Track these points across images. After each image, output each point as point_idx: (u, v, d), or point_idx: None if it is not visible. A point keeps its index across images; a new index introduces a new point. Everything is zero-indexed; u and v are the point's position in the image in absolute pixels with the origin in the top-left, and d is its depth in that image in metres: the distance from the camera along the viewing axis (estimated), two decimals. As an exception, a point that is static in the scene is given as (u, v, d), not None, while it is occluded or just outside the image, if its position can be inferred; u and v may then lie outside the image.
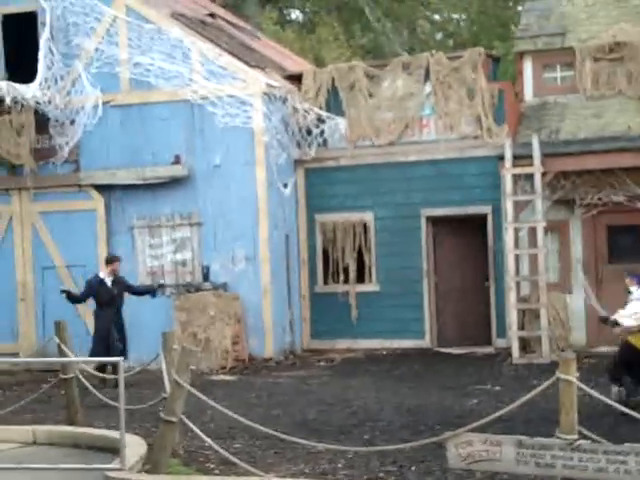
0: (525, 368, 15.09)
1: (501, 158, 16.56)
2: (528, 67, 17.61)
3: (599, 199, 16.54)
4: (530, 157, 16.23)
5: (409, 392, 13.10)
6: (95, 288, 14.95)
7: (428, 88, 17.59)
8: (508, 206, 16.44)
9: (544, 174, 16.29)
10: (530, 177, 16.37)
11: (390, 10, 30.15)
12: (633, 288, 11.86)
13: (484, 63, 17.44)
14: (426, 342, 17.62)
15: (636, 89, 16.72)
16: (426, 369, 15.46)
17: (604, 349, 16.12)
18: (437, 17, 31.58)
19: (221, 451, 8.36)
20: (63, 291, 15.18)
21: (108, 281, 14.97)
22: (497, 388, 13.30)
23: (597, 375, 13.60)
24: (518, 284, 16.53)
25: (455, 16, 31.47)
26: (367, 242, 18.03)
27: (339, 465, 8.87)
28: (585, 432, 7.57)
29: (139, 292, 15.63)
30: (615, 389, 11.85)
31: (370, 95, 17.94)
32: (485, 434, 7.74)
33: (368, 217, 18.01)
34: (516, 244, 16.57)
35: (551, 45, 17.49)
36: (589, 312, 16.66)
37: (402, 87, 17.74)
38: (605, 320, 12.13)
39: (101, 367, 14.03)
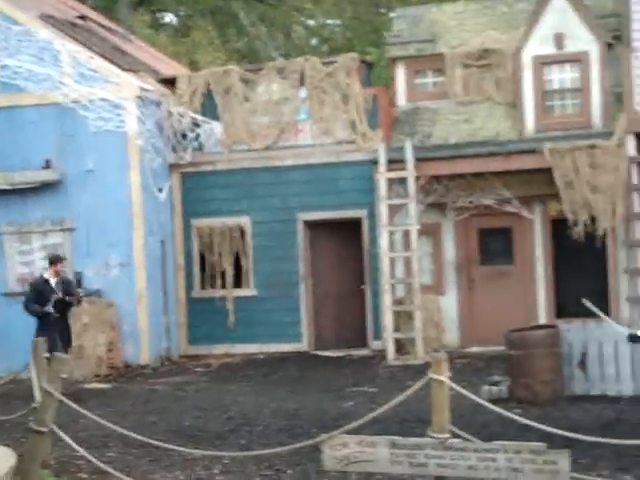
0: (400, 369, 15.29)
1: (375, 162, 16.78)
2: (400, 73, 17.89)
3: (470, 202, 16.94)
4: (403, 161, 16.49)
5: (286, 396, 13.12)
6: (39, 289, 13.73)
7: (303, 93, 17.69)
8: (382, 210, 16.66)
9: (417, 178, 16.57)
10: (404, 181, 16.62)
11: (265, 15, 30.15)
12: None
13: (358, 68, 17.63)
14: (304, 345, 17.69)
15: (504, 95, 17.17)
16: (303, 372, 15.50)
17: (476, 349, 16.54)
18: (312, 22, 31.77)
19: (94, 460, 8.20)
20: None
21: (52, 282, 13.76)
22: (373, 390, 13.44)
23: (469, 375, 13.93)
24: (393, 287, 16.76)
25: (329, 22, 31.71)
26: (244, 246, 17.99)
27: (215, 471, 8.82)
28: (456, 431, 7.71)
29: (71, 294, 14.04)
30: (486, 388, 12.14)
31: (245, 99, 17.92)
32: (360, 435, 7.79)
33: (245, 221, 17.97)
34: (391, 247, 16.81)
35: (422, 51, 17.80)
36: (461, 313, 17.03)
37: (277, 92, 17.79)
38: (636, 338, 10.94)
39: None
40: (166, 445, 8.56)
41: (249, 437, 10.26)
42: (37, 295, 13.69)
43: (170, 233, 18.03)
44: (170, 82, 18.46)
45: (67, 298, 13.71)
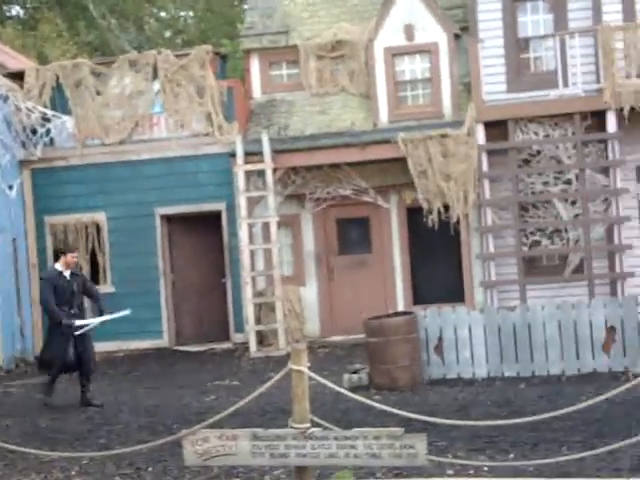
0: (262, 361, 15.32)
1: (233, 155, 16.73)
2: (255, 65, 17.87)
3: (328, 193, 17.10)
4: (261, 154, 16.49)
5: (147, 393, 12.95)
6: (53, 281, 12.12)
7: (157, 86, 17.47)
8: (241, 202, 16.64)
9: (275, 170, 16.61)
10: (262, 173, 16.64)
11: (115, 7, 29.53)
12: None
13: (212, 61, 17.53)
14: (165, 341, 17.51)
15: (358, 86, 17.37)
16: (165, 369, 15.34)
17: (337, 338, 16.72)
18: (164, 14, 31.31)
19: (-56, 469, 7.89)
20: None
21: (66, 274, 12.20)
22: (235, 383, 13.41)
23: (330, 363, 14.07)
24: (254, 279, 16.77)
25: (182, 14, 31.34)
26: (100, 243, 17.66)
27: (73, 472, 8.62)
28: (317, 420, 7.76)
29: (96, 298, 12.69)
30: (346, 376, 12.28)
31: (97, 93, 17.57)
32: (221, 429, 7.76)
33: (100, 217, 17.64)
34: (250, 239, 16.80)
35: (276, 43, 17.83)
36: (322, 303, 17.17)
37: (130, 85, 17.51)
38: None
39: (52, 381, 12.32)
40: (21, 448, 8.31)
41: (108, 436, 10.08)
42: (52, 290, 12.06)
43: (22, 231, 17.52)
44: (18, 76, 17.91)
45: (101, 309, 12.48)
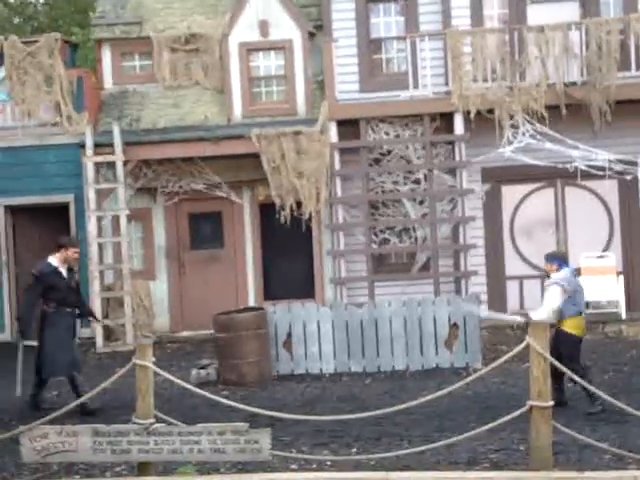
0: (109, 357, 15.08)
1: (82, 146, 16.40)
2: (107, 55, 17.54)
3: (180, 187, 16.95)
4: (111, 145, 16.22)
5: (-14, 388, 12.54)
6: (49, 279, 10.78)
7: (2, 73, 16.94)
8: (90, 194, 16.32)
9: (126, 162, 16.37)
10: (112, 165, 16.37)
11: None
12: (553, 274, 9.87)
13: (61, 49, 17.12)
14: (7, 335, 17.00)
15: (212, 80, 17.28)
16: (6, 363, 14.84)
17: (187, 333, 16.60)
18: (14, 0, 30.36)
19: None
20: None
21: (63, 270, 10.91)
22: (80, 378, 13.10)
23: (179, 359, 13.97)
24: (102, 273, 16.48)
25: (33, 0, 30.51)
26: (-61, 234, 17.01)
27: None
28: (162, 416, 7.70)
29: (81, 301, 11.45)
30: (194, 371, 12.21)
31: (-61, 78, 16.90)
32: (61, 425, 7.61)
33: (-60, 207, 16.99)
34: (99, 232, 16.51)
35: (128, 34, 17.52)
36: (172, 298, 17.01)
37: (-25, 70, 16.92)
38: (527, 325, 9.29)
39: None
40: None
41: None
42: (46, 289, 10.81)
43: None
44: None
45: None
